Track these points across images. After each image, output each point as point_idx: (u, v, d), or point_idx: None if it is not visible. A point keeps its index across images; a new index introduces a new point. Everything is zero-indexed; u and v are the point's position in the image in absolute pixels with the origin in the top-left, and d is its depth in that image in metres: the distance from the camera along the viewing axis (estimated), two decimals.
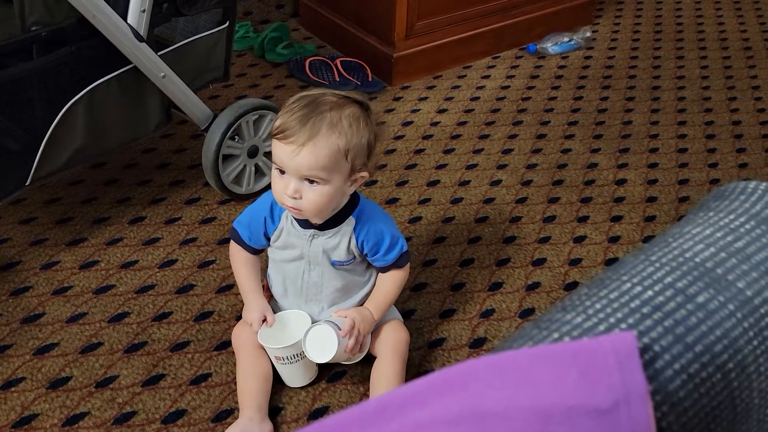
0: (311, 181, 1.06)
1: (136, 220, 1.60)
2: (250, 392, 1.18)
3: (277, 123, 1.07)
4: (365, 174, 1.11)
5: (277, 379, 1.23)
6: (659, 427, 0.39)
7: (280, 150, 1.06)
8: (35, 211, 1.61)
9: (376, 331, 1.24)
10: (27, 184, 1.33)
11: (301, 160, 1.04)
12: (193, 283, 1.44)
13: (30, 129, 1.30)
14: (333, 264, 1.18)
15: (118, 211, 1.62)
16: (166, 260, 1.50)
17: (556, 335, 0.42)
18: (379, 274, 1.23)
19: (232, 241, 1.23)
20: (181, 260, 1.50)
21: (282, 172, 1.07)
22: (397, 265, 1.20)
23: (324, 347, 1.13)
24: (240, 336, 1.24)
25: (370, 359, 1.25)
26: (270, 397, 1.21)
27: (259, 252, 1.24)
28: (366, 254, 1.18)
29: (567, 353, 0.39)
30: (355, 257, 1.18)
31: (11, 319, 1.35)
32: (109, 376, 1.25)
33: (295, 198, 1.07)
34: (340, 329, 1.14)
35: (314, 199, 1.07)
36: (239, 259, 1.23)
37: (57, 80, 1.30)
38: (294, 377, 1.24)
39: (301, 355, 1.17)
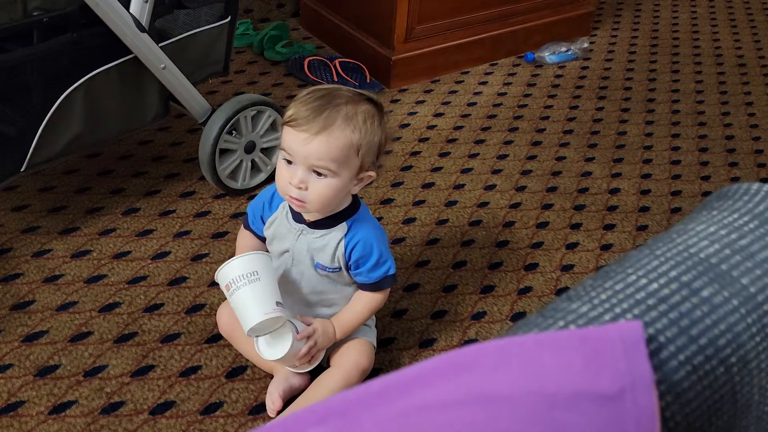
0: (318, 174, 1.05)
1: (130, 212, 1.59)
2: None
3: (290, 111, 1.05)
4: (372, 174, 1.10)
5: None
6: (663, 417, 0.39)
7: (291, 137, 1.04)
8: (28, 198, 1.60)
9: (342, 341, 1.21)
10: (22, 170, 1.32)
11: (313, 149, 1.02)
12: (185, 275, 1.44)
13: (27, 115, 1.30)
14: (316, 267, 1.16)
15: (112, 201, 1.62)
16: (159, 252, 1.49)
17: (561, 323, 0.43)
18: (357, 291, 1.20)
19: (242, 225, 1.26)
20: (174, 252, 1.49)
21: (289, 162, 1.06)
22: (377, 286, 1.17)
23: (276, 345, 1.10)
24: (222, 317, 1.26)
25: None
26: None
27: (261, 239, 1.23)
28: (350, 266, 1.14)
29: (574, 339, 0.39)
30: (340, 267, 1.15)
31: (0, 305, 1.34)
32: (98, 365, 1.24)
33: (300, 188, 1.05)
34: (297, 330, 1.11)
35: (320, 191, 1.05)
36: (241, 236, 1.26)
37: (56, 67, 1.30)
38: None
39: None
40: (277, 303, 1.08)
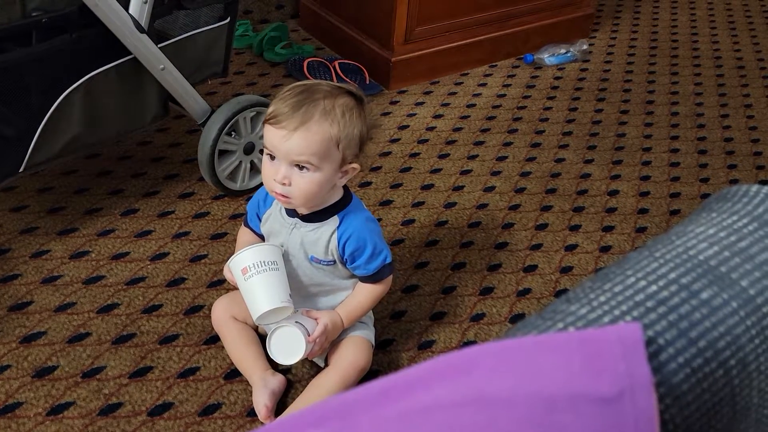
0: (301, 168, 1.06)
1: (129, 212, 1.59)
2: (250, 357, 1.21)
3: (270, 109, 1.07)
4: (356, 166, 1.11)
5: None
6: (662, 419, 0.39)
7: (271, 134, 1.06)
8: (27, 199, 1.60)
9: (338, 340, 1.22)
10: (21, 170, 1.32)
11: (292, 145, 1.04)
12: (184, 276, 1.44)
13: (26, 115, 1.29)
14: (310, 260, 1.17)
15: (111, 202, 1.62)
16: (157, 253, 1.49)
17: (560, 325, 0.43)
18: (359, 282, 1.21)
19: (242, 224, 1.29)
20: (173, 253, 1.49)
21: (272, 158, 1.08)
22: (377, 276, 1.17)
23: (290, 349, 1.12)
24: (216, 310, 1.27)
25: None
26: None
27: (260, 236, 1.24)
28: (345, 260, 1.15)
29: (573, 341, 0.39)
30: (334, 261, 1.16)
31: None
32: (96, 366, 1.24)
33: (284, 184, 1.07)
34: (307, 331, 1.12)
35: (304, 186, 1.07)
36: (241, 234, 1.27)
37: (55, 67, 1.30)
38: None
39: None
40: (290, 295, 1.12)
